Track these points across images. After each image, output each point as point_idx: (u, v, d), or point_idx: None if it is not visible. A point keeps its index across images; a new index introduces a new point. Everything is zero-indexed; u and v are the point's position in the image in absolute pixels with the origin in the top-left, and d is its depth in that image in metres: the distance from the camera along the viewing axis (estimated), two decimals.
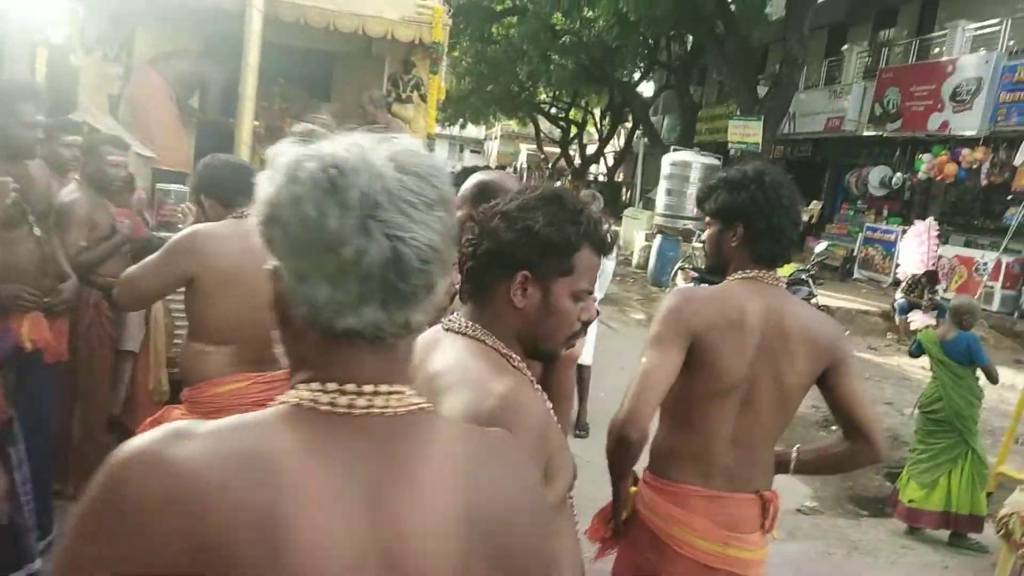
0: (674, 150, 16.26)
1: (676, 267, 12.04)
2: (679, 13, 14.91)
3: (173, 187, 5.41)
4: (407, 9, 5.74)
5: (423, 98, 6.10)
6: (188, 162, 5.95)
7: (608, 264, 5.46)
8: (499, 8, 21.11)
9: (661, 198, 15.90)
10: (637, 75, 24.87)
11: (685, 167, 15.42)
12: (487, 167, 4.47)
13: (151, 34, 5.95)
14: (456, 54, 23.80)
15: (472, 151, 47.99)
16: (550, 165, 32.93)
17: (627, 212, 21.21)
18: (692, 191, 15.51)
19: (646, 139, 22.70)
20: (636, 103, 22.85)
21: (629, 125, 28.67)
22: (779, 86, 14.99)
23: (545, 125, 33.35)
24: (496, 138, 42.80)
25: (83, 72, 6.02)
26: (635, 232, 19.00)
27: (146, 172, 5.50)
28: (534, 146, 34.78)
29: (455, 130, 35.35)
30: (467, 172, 2.47)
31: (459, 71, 24.53)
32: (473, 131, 40.80)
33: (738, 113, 15.86)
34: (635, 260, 15.52)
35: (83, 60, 5.97)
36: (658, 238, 13.70)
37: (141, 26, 5.92)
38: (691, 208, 15.55)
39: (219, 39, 5.99)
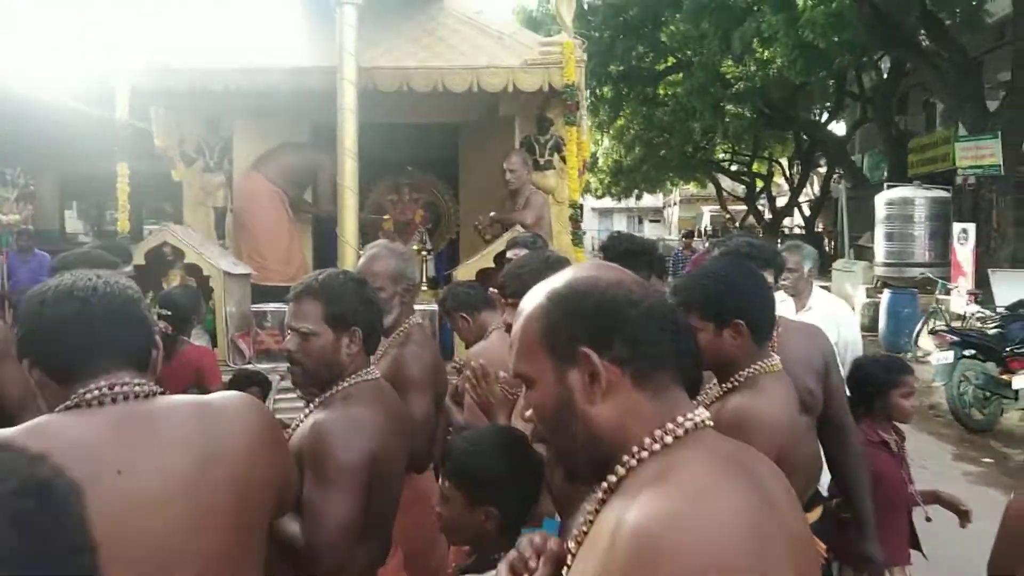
0: (889, 187, 13.77)
1: (919, 327, 9.68)
2: (874, 34, 12.80)
3: (270, 307, 4.46)
4: (529, 51, 4.53)
5: (564, 160, 4.80)
6: (304, 271, 5.04)
7: (848, 331, 3.74)
8: (661, 68, 19.85)
9: (880, 245, 13.41)
10: (825, 115, 22.38)
11: (906, 205, 12.94)
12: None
13: (250, 133, 5.18)
14: (621, 123, 22.81)
15: (651, 220, 46.47)
16: (737, 224, 30.63)
17: (837, 265, 18.51)
18: (919, 232, 12.95)
19: (846, 182, 20.05)
20: (830, 144, 20.36)
21: (823, 170, 25.89)
22: (1016, 92, 12.25)
23: (726, 183, 31.34)
24: (675, 204, 41.10)
25: (186, 187, 5.38)
26: (851, 287, 16.36)
27: (244, 291, 4.61)
28: (717, 206, 32.72)
29: (631, 201, 34.13)
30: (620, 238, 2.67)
31: (627, 140, 23.42)
32: (650, 200, 39.40)
33: (965, 133, 13.18)
34: (857, 320, 13.03)
35: (184, 173, 5.33)
36: (886, 293, 11.30)
37: (239, 126, 5.19)
38: (921, 253, 12.94)
39: (325, 126, 5.08)
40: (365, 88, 4.56)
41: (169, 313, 3.62)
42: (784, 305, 3.61)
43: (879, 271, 13.22)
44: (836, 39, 12.52)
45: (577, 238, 4.49)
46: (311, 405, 1.88)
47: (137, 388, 1.28)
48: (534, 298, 1.03)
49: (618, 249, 2.66)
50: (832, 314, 3.70)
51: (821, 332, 2.56)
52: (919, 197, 12.96)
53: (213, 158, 5.21)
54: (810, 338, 2.47)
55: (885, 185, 14.02)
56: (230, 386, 3.95)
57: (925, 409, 7.89)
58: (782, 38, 13.12)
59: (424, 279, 5.84)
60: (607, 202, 36.85)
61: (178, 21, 5.12)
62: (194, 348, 3.69)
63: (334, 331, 1.85)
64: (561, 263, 2.10)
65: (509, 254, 3.45)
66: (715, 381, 1.93)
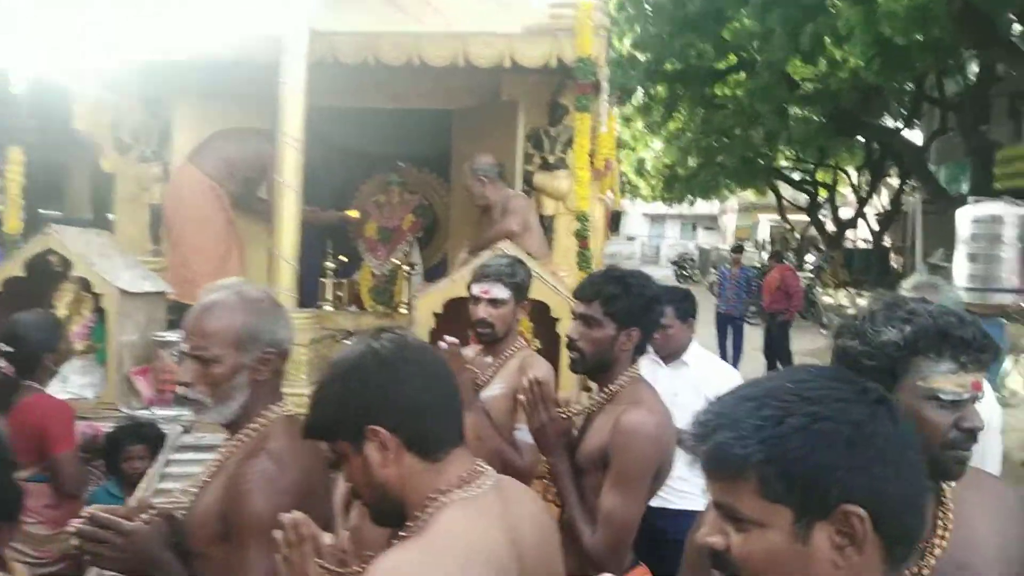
0: (975, 202, 12.19)
1: (1008, 364, 8.28)
2: (962, 32, 11.30)
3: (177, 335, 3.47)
4: (534, 14, 3.44)
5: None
6: None
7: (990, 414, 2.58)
8: (722, 66, 18.43)
9: (961, 266, 11.84)
10: (900, 122, 20.63)
11: (995, 223, 11.36)
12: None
13: (194, 117, 4.20)
14: (676, 125, 21.41)
15: (706, 228, 44.74)
16: (798, 236, 29.00)
17: (908, 284, 16.88)
18: (1009, 253, 11.40)
19: (920, 194, 18.35)
20: (906, 153, 18.68)
21: (893, 181, 24.09)
22: None
23: (787, 191, 29.69)
24: (732, 211, 39.37)
25: (119, 179, 4.44)
26: None
27: (152, 314, 3.64)
28: (776, 216, 31.09)
29: (685, 208, 32.66)
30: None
31: (683, 144, 22.02)
32: (705, 206, 37.79)
33: None
34: None
35: (116, 162, 4.40)
36: None
37: (181, 108, 4.23)
38: (1010, 277, 11.39)
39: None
40: (323, 60, 3.55)
41: (11, 350, 2.67)
42: None
43: (961, 296, 11.70)
44: (919, 36, 11.10)
45: (584, 259, 3.41)
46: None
47: None
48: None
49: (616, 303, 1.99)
50: None
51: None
52: (1009, 214, 11.38)
53: (150, 146, 4.26)
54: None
55: (969, 199, 12.42)
56: (107, 444, 2.97)
57: (1017, 466, 6.58)
58: (858, 34, 11.70)
59: (408, 302, 4.83)
60: (659, 207, 35.39)
61: None
62: (40, 399, 2.71)
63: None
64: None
65: (475, 290, 2.47)
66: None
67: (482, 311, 2.40)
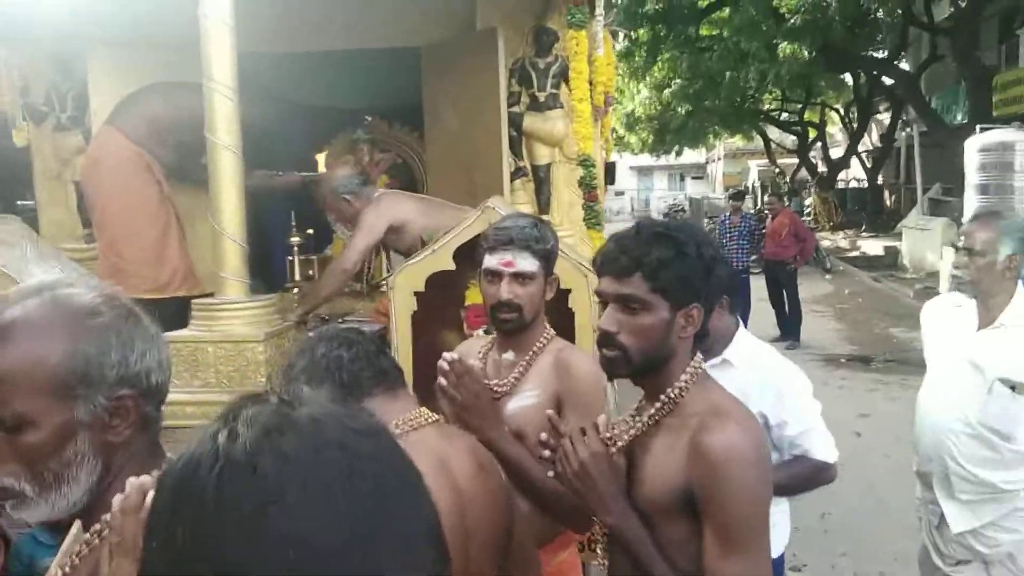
0: (982, 130, 11.58)
1: None
2: None
3: None
4: None
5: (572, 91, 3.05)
6: (189, 276, 3.44)
7: None
8: (704, 3, 17.61)
9: (971, 199, 11.28)
10: (886, 53, 19.88)
11: (1005, 151, 10.78)
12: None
13: (112, 70, 3.54)
14: (660, 71, 20.57)
15: (694, 177, 44.13)
16: (788, 179, 28.47)
17: (908, 222, 16.36)
18: (1021, 182, 10.84)
19: (914, 127, 17.73)
20: (898, 83, 18.03)
21: (882, 117, 23.46)
22: None
23: (774, 134, 29.09)
24: (719, 159, 38.73)
25: (36, 154, 3.77)
26: (927, 249, 14.24)
27: None
28: (765, 161, 30.49)
29: (671, 158, 31.98)
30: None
31: (671, 92, 21.17)
32: (692, 155, 37.09)
33: None
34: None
35: (32, 134, 3.73)
36: None
37: (97, 62, 3.55)
38: (1022, 206, 10.83)
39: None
40: None
41: None
42: (961, 312, 2.45)
43: None
44: None
45: (593, 215, 2.78)
46: None
47: None
48: None
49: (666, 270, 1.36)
50: None
51: None
52: (1021, 141, 10.80)
53: (66, 111, 3.59)
54: None
55: (977, 128, 11.80)
56: None
57: None
58: None
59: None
60: (645, 159, 34.66)
61: None
62: None
63: None
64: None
65: (493, 262, 1.86)
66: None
67: (506, 290, 1.79)
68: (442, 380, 1.68)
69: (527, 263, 1.77)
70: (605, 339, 1.38)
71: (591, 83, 3.01)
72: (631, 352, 1.36)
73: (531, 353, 1.83)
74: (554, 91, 3.36)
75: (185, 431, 2.83)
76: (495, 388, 1.81)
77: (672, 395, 1.37)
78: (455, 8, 3.43)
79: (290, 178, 3.81)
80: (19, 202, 7.83)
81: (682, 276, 1.33)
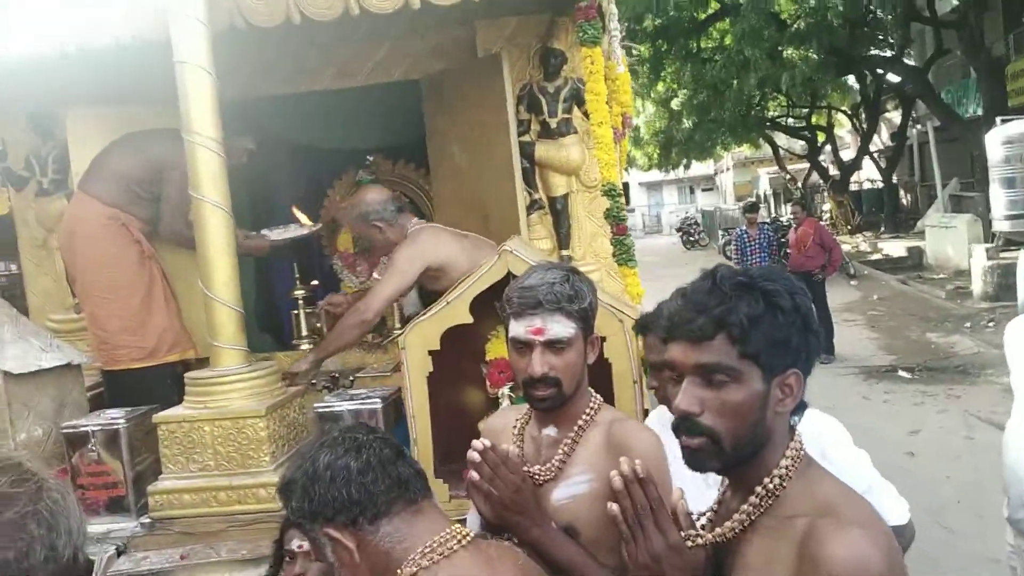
0: (1003, 121, 11.24)
1: None
2: None
3: (100, 420, 2.60)
4: None
5: (588, 115, 2.79)
6: (177, 341, 3.17)
7: None
8: (702, 16, 17.44)
9: (998, 194, 10.91)
10: (888, 51, 19.58)
11: None
12: None
13: (90, 129, 3.30)
14: (664, 86, 20.38)
15: (704, 190, 43.79)
16: (799, 185, 28.15)
17: (930, 221, 15.96)
18: None
19: (927, 124, 17.39)
20: (908, 79, 17.73)
21: (890, 116, 23.14)
22: None
23: (781, 140, 28.80)
24: (728, 169, 38.45)
25: (19, 222, 3.55)
26: (950, 248, 13.82)
27: (63, 395, 2.75)
28: (774, 168, 30.19)
29: (680, 171, 31.74)
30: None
31: (677, 106, 20.98)
32: (700, 167, 36.84)
33: None
34: (978, 288, 10.57)
35: (14, 200, 3.51)
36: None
37: (74, 121, 3.32)
38: None
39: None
40: (233, 26, 2.64)
41: None
42: None
43: (1001, 226, 10.76)
44: None
45: (624, 250, 2.48)
46: None
47: None
48: None
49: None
50: None
51: None
52: None
53: (47, 175, 3.36)
54: None
55: (997, 120, 11.46)
56: None
57: None
58: None
59: (397, 322, 3.94)
60: (654, 174, 34.40)
61: None
62: None
63: None
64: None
65: (520, 330, 1.55)
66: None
67: (539, 362, 1.48)
68: (474, 474, 1.40)
69: (561, 327, 1.47)
70: (686, 424, 1.08)
71: (608, 104, 2.74)
72: (721, 437, 1.06)
73: (577, 428, 1.52)
74: (566, 116, 3.09)
75: (185, 521, 2.57)
76: (536, 475, 1.50)
77: (770, 487, 1.07)
78: (454, 36, 3.20)
79: (260, 242, 3.51)
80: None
81: (777, 336, 1.04)
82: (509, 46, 3.12)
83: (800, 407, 1.11)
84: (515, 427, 1.62)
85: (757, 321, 1.03)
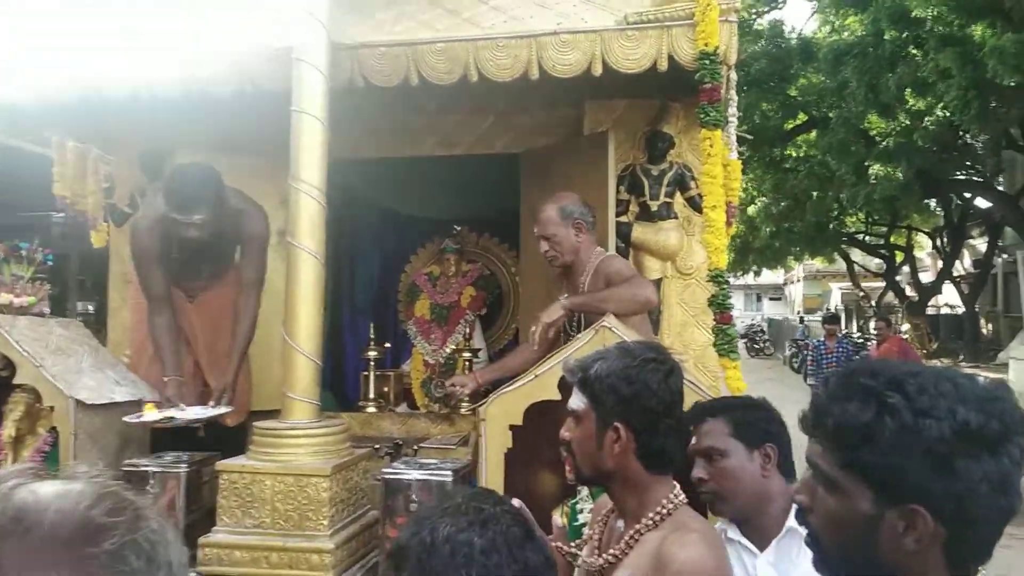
0: None
1: None
2: None
3: (161, 462, 2.52)
4: (629, 4, 2.53)
5: (694, 204, 2.70)
6: (223, 388, 3.09)
7: None
8: (790, 126, 17.46)
9: None
10: (977, 177, 19.15)
11: None
12: None
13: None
14: (745, 194, 20.32)
15: (771, 298, 43.00)
16: (873, 303, 27.36)
17: (1016, 353, 15.11)
18: None
19: (1018, 254, 16.72)
20: (999, 206, 17.24)
21: (974, 242, 22.47)
22: None
23: (856, 256, 28.18)
24: (799, 280, 37.73)
25: (113, 257, 3.61)
26: None
27: (136, 432, 2.70)
28: (847, 283, 29.48)
29: (749, 278, 31.29)
30: None
31: (755, 212, 20.84)
32: (770, 276, 36.28)
33: None
34: None
35: (113, 236, 3.58)
36: None
37: (179, 160, 3.41)
38: None
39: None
40: (351, 83, 2.68)
41: None
42: None
43: None
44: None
45: (726, 340, 2.31)
46: None
47: None
48: None
49: None
50: None
51: None
52: None
53: None
54: None
55: None
56: None
57: None
58: (956, 77, 10.61)
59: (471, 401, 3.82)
60: None
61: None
62: None
63: None
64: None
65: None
66: None
67: (564, 426, 1.49)
68: None
69: (573, 399, 1.48)
70: (824, 542, 0.98)
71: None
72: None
73: (634, 530, 1.39)
74: (668, 200, 3.00)
75: None
76: (585, 561, 1.46)
77: None
78: (560, 114, 3.18)
79: None
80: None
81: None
82: (617, 127, 3.08)
83: None
84: (604, 511, 1.55)
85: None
